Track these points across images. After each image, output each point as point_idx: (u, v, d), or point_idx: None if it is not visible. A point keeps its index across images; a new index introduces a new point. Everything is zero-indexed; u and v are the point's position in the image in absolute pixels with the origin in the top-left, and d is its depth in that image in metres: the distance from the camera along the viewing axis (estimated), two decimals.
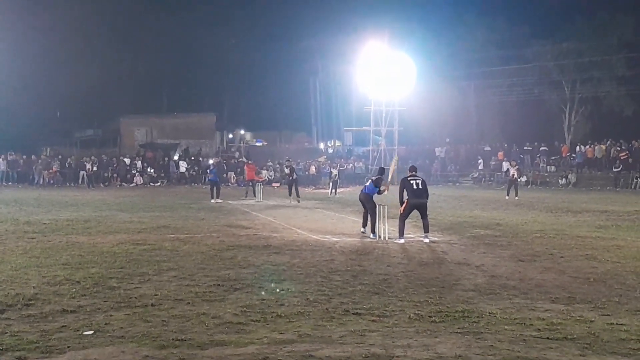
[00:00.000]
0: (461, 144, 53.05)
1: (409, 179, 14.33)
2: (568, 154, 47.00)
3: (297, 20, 69.91)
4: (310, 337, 6.39)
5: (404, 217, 14.18)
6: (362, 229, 15.45)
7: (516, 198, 28.29)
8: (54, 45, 53.11)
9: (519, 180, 30.77)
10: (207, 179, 29.15)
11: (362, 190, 15.61)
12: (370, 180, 15.52)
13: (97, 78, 57.36)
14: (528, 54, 51.15)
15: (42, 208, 21.89)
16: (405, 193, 14.31)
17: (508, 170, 30.86)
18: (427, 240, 13.87)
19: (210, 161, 31.44)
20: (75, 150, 53.06)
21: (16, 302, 7.68)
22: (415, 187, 14.20)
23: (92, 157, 42.99)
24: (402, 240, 13.80)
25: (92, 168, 41.21)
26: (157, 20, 65.22)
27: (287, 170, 29.01)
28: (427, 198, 14.50)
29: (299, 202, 26.16)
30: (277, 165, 46.50)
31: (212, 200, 26.30)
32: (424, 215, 14.33)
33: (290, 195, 27.09)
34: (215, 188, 27.28)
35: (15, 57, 47.83)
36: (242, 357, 5.75)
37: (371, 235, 14.71)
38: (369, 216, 15.10)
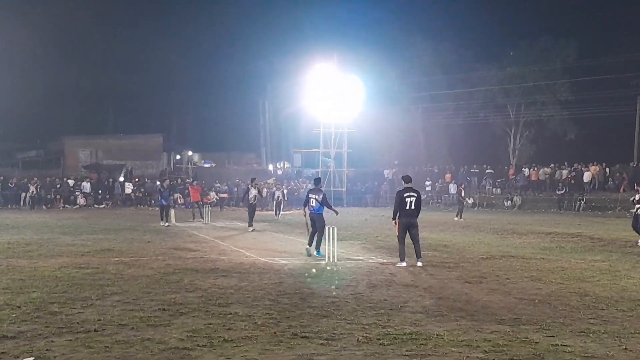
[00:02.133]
0: (409, 166, 53.63)
1: (404, 194, 13.75)
2: (513, 176, 47.92)
3: (246, 41, 69.93)
4: None
5: (401, 238, 13.78)
6: (307, 247, 15.32)
7: (461, 220, 28.87)
8: None
9: (466, 202, 31.29)
10: (159, 201, 27.15)
11: (311, 210, 15.36)
12: (314, 200, 15.18)
13: (41, 97, 56.39)
14: (474, 77, 52.21)
15: None
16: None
17: (460, 191, 31.44)
18: (420, 264, 13.49)
19: (161, 183, 29.88)
20: (18, 171, 51.74)
21: None
22: (407, 206, 13.67)
23: (35, 179, 41.99)
24: (403, 264, 13.52)
25: (36, 190, 40.09)
26: (103, 37, 64.64)
27: (254, 192, 28.33)
28: (418, 215, 13.93)
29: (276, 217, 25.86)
30: (226, 187, 46.14)
31: (162, 223, 25.14)
32: (415, 240, 13.80)
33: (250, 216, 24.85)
34: (165, 211, 25.89)
35: None
36: None
37: (314, 253, 14.68)
38: (316, 234, 15.03)
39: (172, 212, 26.52)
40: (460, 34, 58.49)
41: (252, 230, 22.84)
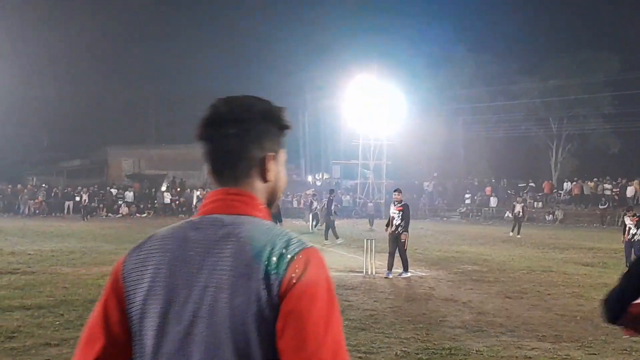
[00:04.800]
0: (449, 179, 53.26)
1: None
2: (555, 190, 47.26)
3: (286, 52, 70.32)
4: None
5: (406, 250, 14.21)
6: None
7: (518, 236, 27.46)
8: (41, 74, 53.20)
9: (522, 217, 29.51)
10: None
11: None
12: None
13: (85, 106, 57.44)
14: (515, 90, 51.71)
15: (26, 238, 21.70)
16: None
17: (514, 206, 30.18)
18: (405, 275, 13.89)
19: (197, 193, 27.98)
20: (62, 180, 52.75)
21: None
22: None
23: (85, 188, 42.41)
24: (408, 274, 13.86)
25: (86, 199, 39.94)
26: (146, 50, 65.65)
27: (315, 203, 28.19)
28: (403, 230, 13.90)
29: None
30: None
31: None
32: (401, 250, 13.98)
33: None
34: None
35: (0, 85, 47.81)
36: None
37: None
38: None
39: None
40: (502, 45, 58.09)
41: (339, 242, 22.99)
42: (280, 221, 13.75)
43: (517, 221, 28.70)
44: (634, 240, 16.19)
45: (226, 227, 1.54)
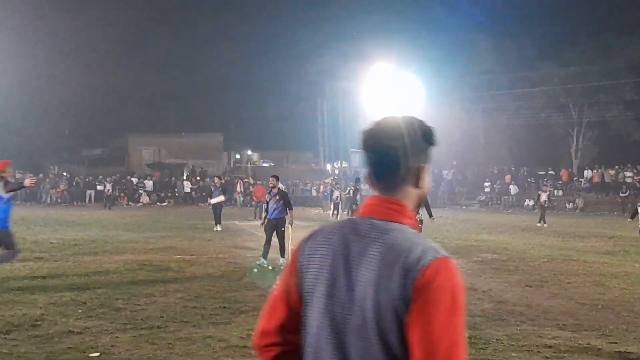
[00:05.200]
0: (468, 167, 53.02)
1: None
2: (575, 178, 46.90)
3: (304, 40, 70.23)
4: None
5: None
6: None
7: (545, 225, 26.81)
8: (62, 64, 53.56)
9: (547, 205, 28.91)
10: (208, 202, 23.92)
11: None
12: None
13: (105, 96, 57.83)
14: (535, 77, 51.21)
15: (49, 227, 21.95)
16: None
17: (539, 195, 29.33)
18: None
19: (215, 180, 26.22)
20: (83, 168, 53.23)
21: (23, 323, 7.69)
22: None
23: (109, 177, 42.70)
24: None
25: (109, 188, 40.16)
26: (166, 39, 65.93)
27: (350, 193, 28.26)
28: None
29: None
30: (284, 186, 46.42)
31: (215, 228, 22.50)
32: None
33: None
34: (217, 211, 23.20)
35: (24, 75, 48.23)
36: None
37: None
38: None
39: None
40: (522, 31, 57.42)
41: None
42: (431, 215, 13.74)
43: (543, 210, 28.15)
44: None
45: (378, 231, 1.87)
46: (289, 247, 13.26)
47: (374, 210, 1.94)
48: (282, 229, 13.48)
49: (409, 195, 1.97)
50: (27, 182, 10.83)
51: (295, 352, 1.98)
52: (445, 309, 1.71)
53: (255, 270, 12.63)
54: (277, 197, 13.51)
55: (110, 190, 39.79)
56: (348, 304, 1.82)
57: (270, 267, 12.96)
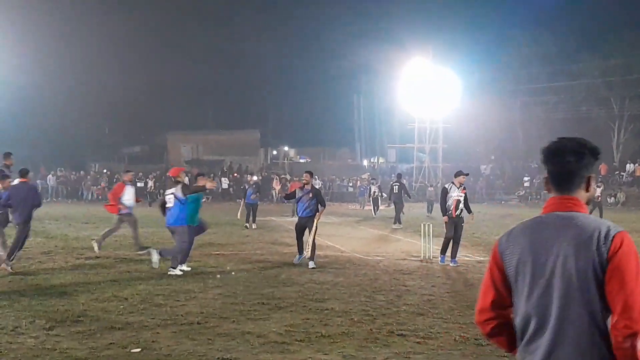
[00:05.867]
0: (507, 161, 52.46)
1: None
2: (617, 172, 46.07)
3: (341, 37, 70.11)
4: (355, 359, 6.39)
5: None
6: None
7: None
8: (102, 62, 54.39)
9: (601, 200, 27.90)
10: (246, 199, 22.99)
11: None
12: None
13: (144, 94, 58.55)
14: (575, 69, 50.47)
15: (90, 224, 22.27)
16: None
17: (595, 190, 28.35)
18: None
19: (254, 178, 24.90)
20: (123, 165, 53.93)
21: (65, 319, 7.83)
22: None
23: (151, 174, 43.10)
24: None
25: (152, 185, 40.52)
26: (203, 36, 66.42)
27: (374, 188, 28.44)
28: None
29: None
30: (320, 182, 46.52)
31: (247, 225, 22.15)
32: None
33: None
34: (251, 210, 22.58)
35: (64, 73, 49.08)
36: None
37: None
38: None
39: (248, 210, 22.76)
40: (561, 23, 56.57)
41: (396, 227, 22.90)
42: (470, 211, 13.43)
43: (598, 206, 27.01)
44: None
45: (566, 219, 2.61)
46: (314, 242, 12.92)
47: (557, 206, 2.67)
48: (313, 227, 12.75)
49: (581, 196, 2.69)
50: (209, 185, 11.69)
51: (508, 324, 2.73)
52: (633, 266, 2.43)
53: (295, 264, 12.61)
54: (310, 195, 12.79)
55: (153, 187, 40.12)
56: (551, 274, 2.53)
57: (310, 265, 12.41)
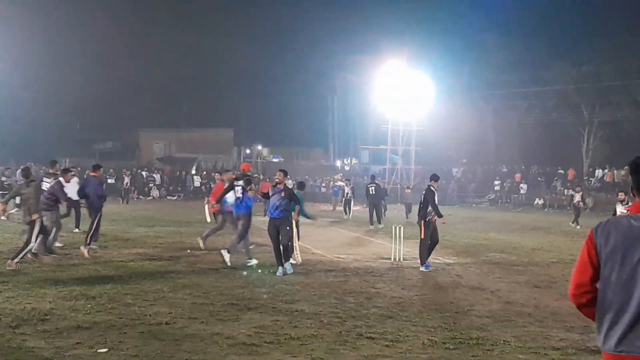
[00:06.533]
0: (478, 165, 52.88)
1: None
2: (586, 177, 46.67)
3: (316, 37, 70.31)
4: None
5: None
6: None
7: (577, 227, 25.78)
8: (74, 56, 53.86)
9: (582, 206, 28.11)
10: None
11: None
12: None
13: (117, 90, 58.08)
14: (547, 76, 51.00)
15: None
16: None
17: (573, 196, 28.39)
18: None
19: (217, 177, 22.44)
20: (94, 162, 53.40)
21: (32, 317, 7.75)
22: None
23: (128, 171, 42.45)
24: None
25: (128, 182, 39.64)
26: (177, 34, 65.95)
27: (347, 189, 28.39)
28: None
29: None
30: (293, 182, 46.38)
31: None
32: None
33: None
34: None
35: (35, 66, 48.50)
36: None
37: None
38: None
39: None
40: (533, 30, 57.14)
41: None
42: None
43: (577, 211, 27.25)
44: None
45: None
46: (297, 245, 13.09)
47: None
48: (287, 228, 12.17)
49: None
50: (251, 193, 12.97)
51: (596, 298, 3.30)
52: None
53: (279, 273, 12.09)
54: (283, 194, 12.09)
55: (129, 184, 39.36)
56: (636, 266, 3.16)
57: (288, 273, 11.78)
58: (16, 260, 11.36)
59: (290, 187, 13.61)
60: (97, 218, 13.76)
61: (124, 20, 61.99)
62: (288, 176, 13.96)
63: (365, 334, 7.51)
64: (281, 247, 11.96)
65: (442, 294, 10.43)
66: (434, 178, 13.77)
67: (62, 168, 15.68)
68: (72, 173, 15.29)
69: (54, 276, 10.67)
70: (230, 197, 13.56)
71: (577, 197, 27.81)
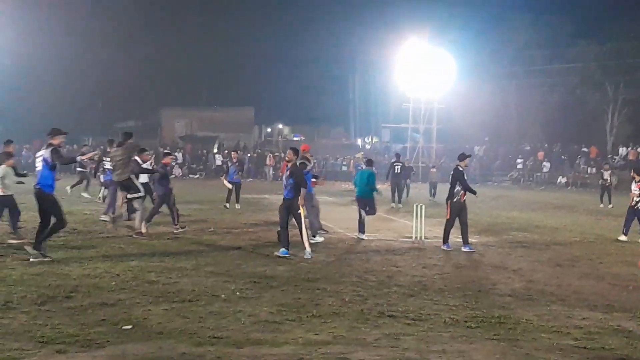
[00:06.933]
0: (500, 143, 52.49)
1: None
2: (609, 155, 46.18)
3: (337, 16, 69.89)
4: (345, 339, 6.42)
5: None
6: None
7: (610, 206, 25.14)
8: (96, 37, 53.95)
9: (612, 186, 27.19)
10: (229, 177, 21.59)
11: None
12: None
13: (138, 70, 58.17)
14: (571, 54, 50.47)
15: (83, 198, 22.21)
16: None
17: (602, 174, 27.46)
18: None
19: (232, 155, 22.28)
20: (117, 140, 53.70)
21: (57, 294, 7.85)
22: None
23: (152, 150, 42.61)
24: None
25: (152, 161, 39.84)
26: (199, 14, 65.90)
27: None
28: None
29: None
30: (315, 161, 46.33)
31: (226, 205, 20.80)
32: None
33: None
34: (233, 189, 21.14)
35: (58, 47, 48.66)
36: (277, 357, 5.80)
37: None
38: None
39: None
40: (558, 7, 56.48)
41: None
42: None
43: (607, 190, 26.53)
44: (637, 207, 15.40)
45: None
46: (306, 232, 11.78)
47: None
48: (298, 211, 11.46)
49: None
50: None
51: None
52: None
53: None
54: (288, 172, 11.49)
55: (153, 163, 39.54)
56: None
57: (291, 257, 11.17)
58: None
59: (298, 166, 12.03)
60: (163, 200, 14.60)
61: (147, 2, 62.07)
62: (301, 155, 12.94)
63: (387, 312, 7.53)
64: (299, 230, 11.45)
65: (463, 273, 10.42)
66: (461, 157, 13.61)
67: (140, 147, 16.13)
68: (148, 153, 16.47)
69: (78, 254, 10.79)
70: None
71: (606, 175, 27.02)
